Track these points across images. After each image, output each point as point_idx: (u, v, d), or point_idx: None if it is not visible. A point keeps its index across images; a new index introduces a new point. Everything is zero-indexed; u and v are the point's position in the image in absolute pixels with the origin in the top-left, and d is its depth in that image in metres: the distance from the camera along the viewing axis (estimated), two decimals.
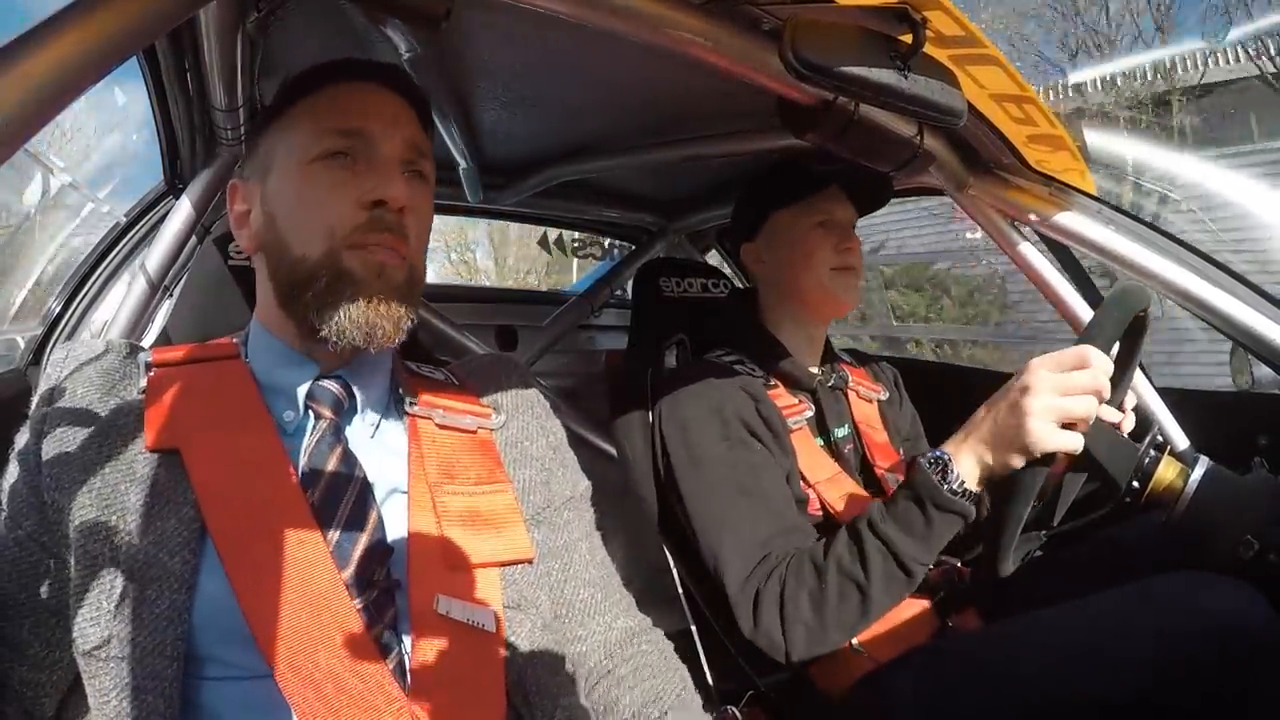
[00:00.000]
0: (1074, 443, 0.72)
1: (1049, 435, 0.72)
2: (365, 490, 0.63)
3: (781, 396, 1.06)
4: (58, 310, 1.23)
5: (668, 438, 1.01)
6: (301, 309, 0.64)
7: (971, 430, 0.78)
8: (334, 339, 0.63)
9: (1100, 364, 0.73)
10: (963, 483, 0.77)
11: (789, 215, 1.12)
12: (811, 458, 1.04)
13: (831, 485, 1.03)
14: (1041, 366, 0.74)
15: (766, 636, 0.85)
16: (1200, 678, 0.68)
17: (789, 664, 0.85)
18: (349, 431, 0.67)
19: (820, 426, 1.10)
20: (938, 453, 0.79)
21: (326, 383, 0.67)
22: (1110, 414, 0.91)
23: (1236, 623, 0.69)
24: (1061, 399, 0.72)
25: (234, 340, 0.71)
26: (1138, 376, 1.00)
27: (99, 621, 0.55)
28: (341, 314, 0.63)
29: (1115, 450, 0.77)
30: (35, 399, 0.64)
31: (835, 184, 1.11)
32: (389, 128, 0.67)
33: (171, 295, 1.08)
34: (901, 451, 1.19)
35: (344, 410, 0.67)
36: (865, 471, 1.12)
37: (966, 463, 0.78)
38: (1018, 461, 0.74)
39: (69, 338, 1.21)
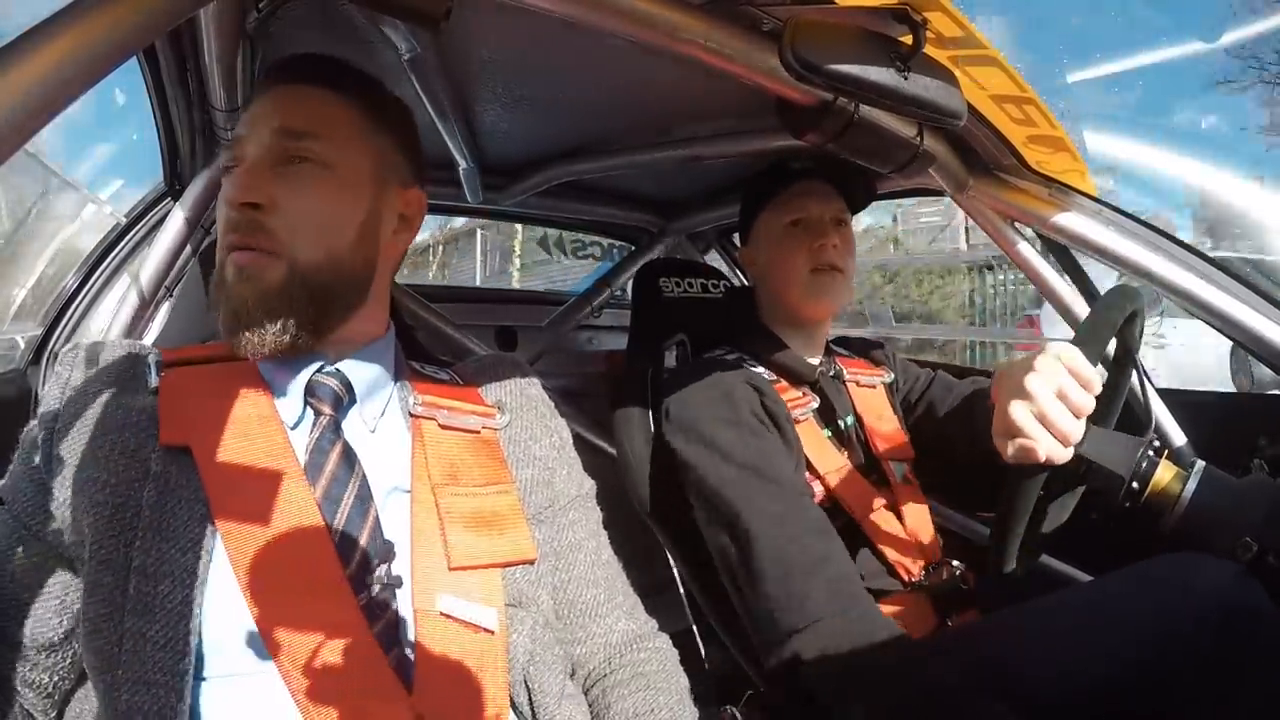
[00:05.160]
0: (1062, 449, 0.68)
1: (1037, 431, 0.67)
2: (364, 488, 0.64)
3: (785, 391, 1.06)
4: (58, 310, 1.23)
5: (679, 433, 0.99)
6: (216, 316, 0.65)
7: None
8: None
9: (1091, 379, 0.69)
10: None
11: (767, 216, 1.12)
12: (819, 449, 1.03)
13: (838, 476, 1.03)
14: (1012, 384, 0.69)
15: (778, 625, 0.82)
16: (1199, 653, 0.69)
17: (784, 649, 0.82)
18: (349, 428, 0.67)
19: (826, 417, 1.10)
20: None
21: (325, 377, 0.67)
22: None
23: (1232, 600, 0.70)
24: (1044, 406, 0.67)
25: None
26: (1137, 378, 1.00)
27: (112, 617, 0.55)
28: (221, 325, 0.64)
29: (1113, 449, 0.76)
30: (44, 398, 0.64)
31: (807, 179, 1.11)
32: (258, 125, 0.66)
33: (172, 295, 1.08)
34: (914, 429, 1.18)
35: (343, 405, 0.67)
36: (869, 461, 1.12)
37: None
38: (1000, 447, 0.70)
39: (69, 338, 1.21)
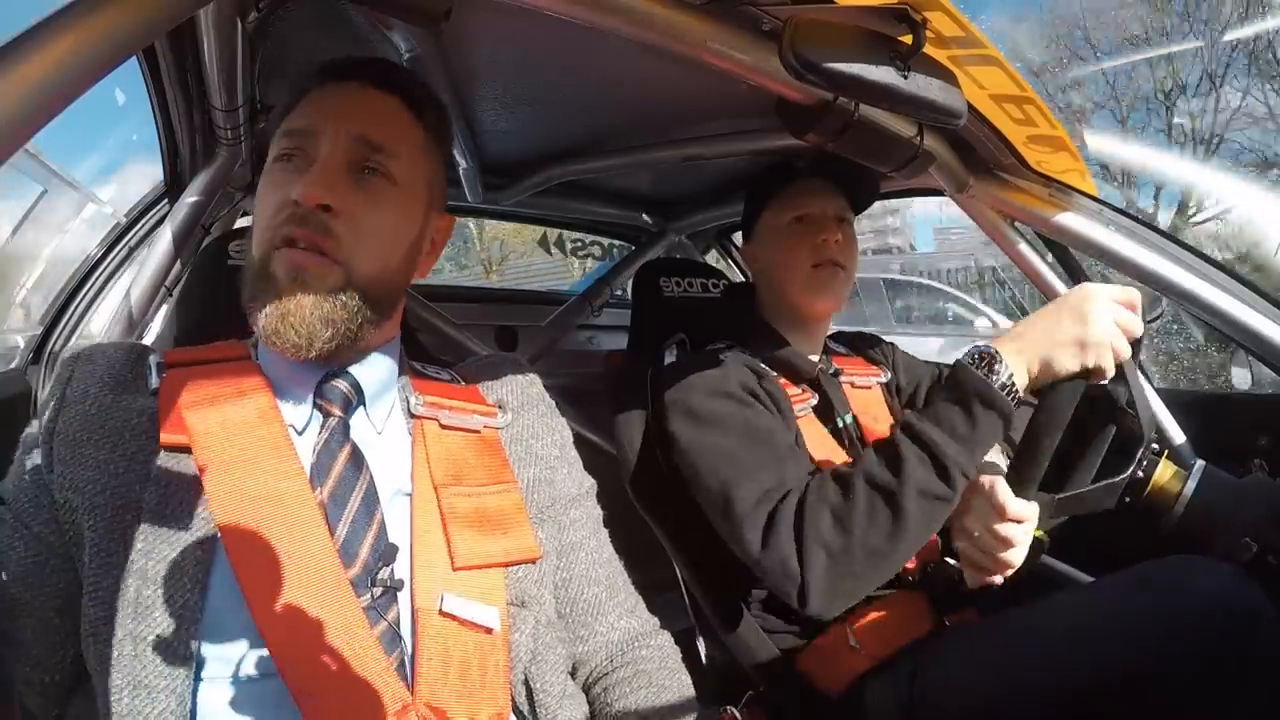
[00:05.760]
0: (1124, 350, 0.74)
1: (1112, 331, 0.73)
2: (371, 489, 0.64)
3: (785, 386, 1.06)
4: (58, 310, 1.23)
5: (669, 411, 0.99)
6: (250, 308, 0.64)
7: (1021, 333, 0.76)
8: (263, 341, 0.63)
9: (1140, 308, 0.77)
10: (1011, 376, 0.75)
11: (770, 213, 1.13)
12: (819, 444, 1.03)
13: None
14: (1101, 290, 0.76)
15: (779, 561, 0.80)
16: (1198, 654, 0.69)
17: (804, 604, 0.79)
18: (356, 429, 0.67)
19: (824, 415, 1.10)
20: (982, 346, 0.76)
21: (334, 380, 0.67)
22: None
23: (1232, 601, 0.70)
24: (1119, 316, 0.75)
25: (245, 343, 0.71)
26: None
27: (112, 620, 0.55)
28: (261, 318, 0.62)
29: (1086, 501, 0.77)
30: (45, 399, 0.64)
31: (810, 177, 1.11)
32: (335, 124, 0.64)
33: (172, 295, 1.08)
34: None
35: (351, 407, 0.67)
36: None
37: (1015, 360, 0.75)
38: (1073, 363, 0.73)
39: (69, 338, 1.21)
